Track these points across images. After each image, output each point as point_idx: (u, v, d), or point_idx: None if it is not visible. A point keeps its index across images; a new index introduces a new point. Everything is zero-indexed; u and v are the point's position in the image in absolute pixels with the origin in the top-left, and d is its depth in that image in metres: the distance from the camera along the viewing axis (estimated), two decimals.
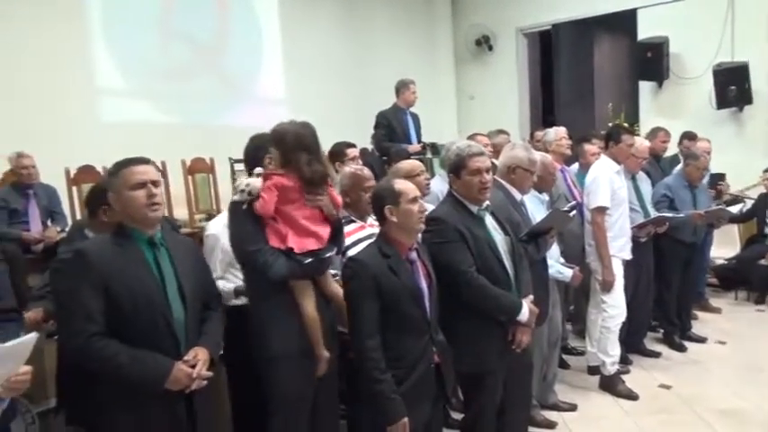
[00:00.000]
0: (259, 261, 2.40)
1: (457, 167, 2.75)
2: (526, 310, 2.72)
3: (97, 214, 2.59)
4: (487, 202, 2.81)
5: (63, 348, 2.55)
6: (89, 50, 6.09)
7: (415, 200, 2.42)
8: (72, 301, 2.07)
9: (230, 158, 6.32)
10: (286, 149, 2.45)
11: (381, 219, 2.46)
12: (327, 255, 2.51)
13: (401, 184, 2.45)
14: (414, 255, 2.47)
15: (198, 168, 6.13)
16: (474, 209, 2.77)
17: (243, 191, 2.42)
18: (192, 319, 2.22)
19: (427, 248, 2.62)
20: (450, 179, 2.80)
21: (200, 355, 2.17)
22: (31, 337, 1.84)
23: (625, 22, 8.23)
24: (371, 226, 3.01)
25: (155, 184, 2.18)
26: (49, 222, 4.79)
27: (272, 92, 7.65)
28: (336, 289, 2.60)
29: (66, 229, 4.67)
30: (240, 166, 6.25)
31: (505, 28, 9.28)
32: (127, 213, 2.17)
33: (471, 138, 4.54)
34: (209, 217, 5.38)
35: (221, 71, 7.20)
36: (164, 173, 5.18)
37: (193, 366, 2.13)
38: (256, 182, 2.43)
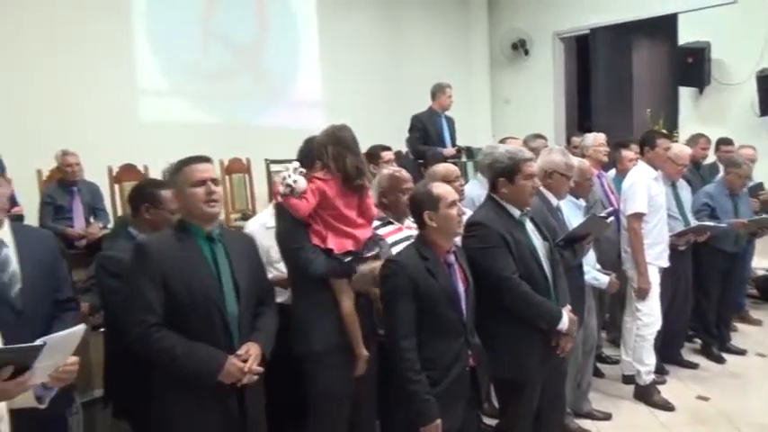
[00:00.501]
0: (300, 258, 2.49)
1: (511, 171, 2.73)
2: (566, 318, 2.69)
3: (140, 211, 2.65)
4: (527, 207, 2.81)
5: (111, 340, 2.63)
6: (132, 52, 6.26)
7: (453, 204, 2.43)
8: (134, 292, 2.16)
9: (266, 159, 6.41)
10: (334, 152, 2.57)
11: (420, 223, 2.47)
12: (367, 255, 2.56)
13: (440, 189, 2.46)
14: (452, 258, 2.48)
15: (235, 168, 6.24)
16: (516, 214, 2.76)
17: (289, 185, 2.48)
18: (245, 314, 2.28)
19: (468, 253, 2.62)
20: (500, 183, 2.75)
21: (252, 350, 2.23)
22: (80, 328, 1.90)
23: (665, 26, 8.09)
24: (408, 228, 3.03)
25: (214, 182, 2.27)
26: (91, 219, 4.93)
27: (309, 94, 7.73)
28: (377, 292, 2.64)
29: (109, 226, 4.81)
30: (275, 167, 6.39)
31: (542, 32, 9.21)
32: (187, 209, 2.26)
33: (504, 141, 4.54)
34: (245, 217, 5.48)
35: (259, 73, 7.32)
36: None
37: (245, 361, 2.19)
38: (303, 182, 2.49)
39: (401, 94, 7.85)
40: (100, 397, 2.80)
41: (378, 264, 2.62)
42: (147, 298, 2.13)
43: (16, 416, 1.86)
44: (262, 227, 3.21)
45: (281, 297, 3.06)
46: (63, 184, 4.89)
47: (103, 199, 5.21)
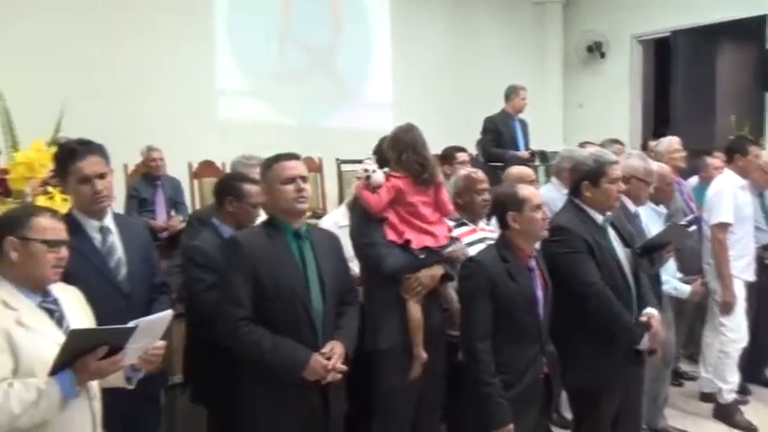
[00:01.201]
0: (372, 254, 2.50)
1: (596, 175, 2.66)
2: (646, 339, 2.58)
3: (223, 204, 2.74)
4: (609, 213, 2.73)
5: (192, 328, 2.73)
6: (213, 55, 6.56)
7: (538, 207, 2.39)
8: (225, 286, 2.22)
9: (337, 159, 6.52)
10: (398, 150, 2.60)
11: (503, 224, 2.44)
12: (442, 251, 2.57)
13: (525, 191, 2.43)
14: (533, 262, 2.44)
15: (307, 167, 6.35)
16: (599, 219, 2.68)
17: (366, 170, 2.51)
18: (329, 312, 2.31)
19: (549, 258, 2.57)
20: (584, 187, 2.69)
21: (336, 348, 2.25)
22: (168, 313, 1.99)
23: (753, 29, 7.71)
24: (483, 230, 3.02)
25: (303, 179, 2.31)
26: (172, 212, 5.13)
27: (380, 96, 7.83)
28: (452, 296, 2.63)
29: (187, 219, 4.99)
30: (346, 167, 6.48)
31: (619, 34, 8.95)
32: (277, 205, 2.30)
33: (583, 146, 4.43)
34: (315, 215, 5.57)
35: (332, 74, 7.46)
36: None
37: (330, 359, 2.21)
38: (380, 175, 2.52)
39: (472, 96, 7.81)
40: (179, 383, 2.89)
41: (438, 270, 2.62)
42: (237, 292, 2.19)
43: (114, 393, 1.96)
44: (334, 225, 3.26)
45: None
46: (147, 178, 5.12)
47: (184, 193, 5.43)
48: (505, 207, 2.40)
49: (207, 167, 5.70)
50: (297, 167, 2.32)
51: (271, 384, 2.21)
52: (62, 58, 5.33)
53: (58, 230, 1.84)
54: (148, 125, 5.42)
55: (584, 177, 2.70)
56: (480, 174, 3.08)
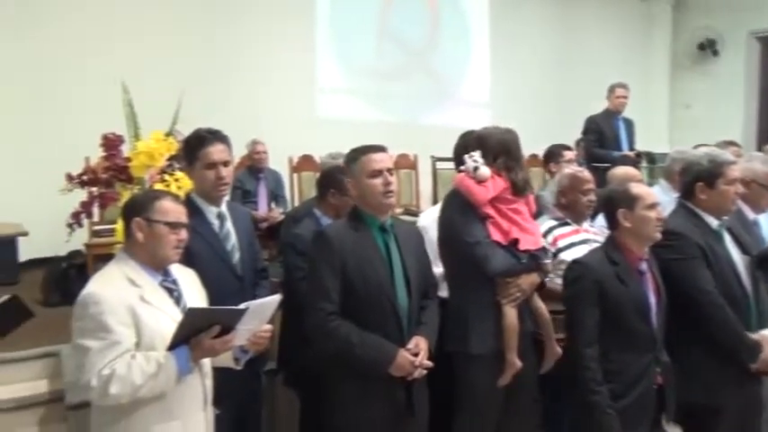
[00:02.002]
0: (478, 253, 2.38)
1: (712, 175, 2.50)
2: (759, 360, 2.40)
3: (326, 196, 2.79)
4: (725, 217, 2.56)
5: (288, 318, 2.80)
6: (315, 52, 6.75)
7: (653, 206, 2.27)
8: (314, 279, 2.23)
9: (432, 156, 6.51)
10: (489, 153, 2.47)
11: (612, 223, 2.34)
12: (543, 259, 2.48)
13: (639, 188, 2.32)
14: (644, 265, 2.32)
15: (402, 164, 6.39)
16: (713, 223, 2.52)
17: (474, 167, 2.42)
18: (414, 307, 2.29)
19: (661, 264, 2.42)
20: (698, 189, 2.54)
21: (421, 344, 2.23)
22: (276, 297, 2.05)
23: None
24: (586, 231, 2.91)
25: (390, 172, 2.28)
26: (272, 204, 5.31)
27: (477, 94, 7.77)
28: (540, 304, 2.55)
29: (286, 212, 5.15)
30: (441, 165, 6.47)
31: (735, 31, 8.42)
32: (363, 199, 2.28)
33: (696, 148, 4.18)
34: (409, 212, 5.59)
35: (429, 73, 7.48)
36: None
37: (416, 355, 2.20)
38: (487, 170, 2.45)
39: (573, 96, 7.60)
40: (273, 369, 2.98)
41: (536, 278, 2.52)
42: (327, 286, 2.19)
43: (222, 373, 2.05)
44: (434, 222, 3.23)
45: (445, 291, 3.07)
46: (251, 170, 5.32)
47: (284, 186, 5.60)
48: (616, 204, 2.29)
49: (306, 162, 5.86)
50: (384, 160, 2.28)
51: (357, 378, 2.21)
52: (178, 54, 5.67)
53: (179, 213, 1.94)
54: (253, 120, 5.62)
55: (697, 178, 2.53)
56: (586, 173, 2.96)
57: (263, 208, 5.18)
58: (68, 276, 4.50)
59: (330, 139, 5.65)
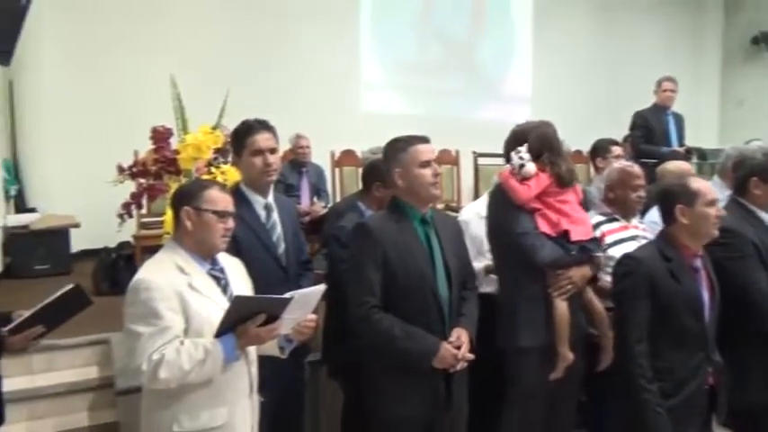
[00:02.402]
0: (526, 244, 2.38)
1: (766, 170, 2.46)
2: None
3: (370, 189, 2.79)
4: None
5: (332, 310, 2.82)
6: (358, 48, 6.81)
7: (713, 203, 2.20)
8: (357, 272, 2.23)
9: (474, 152, 6.47)
10: (531, 149, 2.48)
11: (668, 218, 2.26)
12: (595, 252, 2.44)
13: (699, 184, 2.24)
14: (698, 262, 2.25)
15: (444, 160, 6.36)
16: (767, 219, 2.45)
17: (520, 164, 2.42)
18: (455, 297, 2.28)
19: (714, 261, 2.35)
20: (752, 184, 2.48)
21: (462, 336, 2.23)
22: (320, 287, 2.06)
23: None
24: (635, 227, 2.84)
25: (437, 163, 2.29)
26: (315, 199, 5.34)
27: (519, 90, 7.69)
28: (594, 299, 2.51)
29: (328, 206, 5.18)
30: (483, 160, 6.42)
31: None
32: (410, 189, 2.25)
33: (749, 143, 4.05)
34: (449, 208, 5.55)
35: (472, 68, 7.44)
36: None
37: (458, 348, 2.19)
38: (533, 167, 2.43)
39: (620, 91, 7.45)
40: (317, 360, 3.00)
41: (588, 271, 2.49)
42: (370, 279, 2.18)
43: (267, 362, 2.07)
44: (476, 216, 3.20)
45: (490, 287, 3.05)
46: (294, 164, 5.36)
47: (326, 181, 5.64)
48: (674, 199, 2.22)
49: (348, 157, 5.89)
50: (432, 151, 2.29)
51: (398, 371, 2.21)
52: (225, 50, 5.85)
53: (226, 202, 1.97)
54: (297, 115, 5.66)
55: (752, 173, 2.47)
56: (636, 168, 2.88)
57: (305, 202, 5.22)
58: (117, 266, 4.63)
59: (372, 134, 5.66)
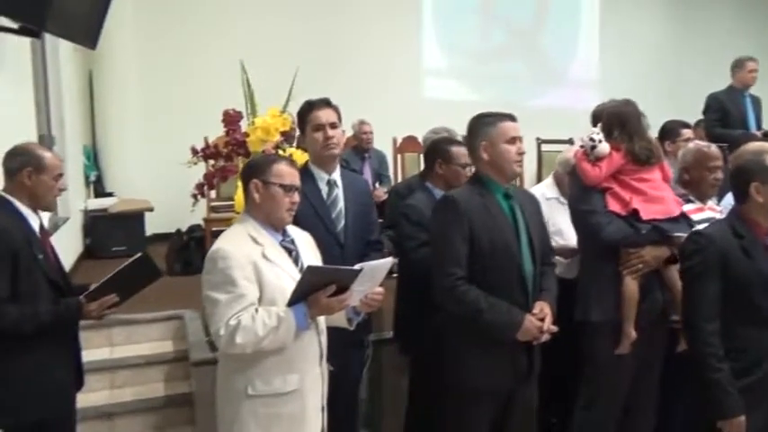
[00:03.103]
0: (591, 221, 2.41)
1: None
2: None
3: (433, 167, 2.82)
4: None
5: (403, 286, 2.86)
6: (420, 35, 6.85)
7: None
8: (443, 244, 2.25)
9: (537, 138, 6.37)
10: (603, 128, 2.51)
11: (742, 196, 2.18)
12: (670, 231, 2.39)
13: None
14: None
15: None
16: None
17: (592, 140, 2.42)
18: (538, 272, 2.30)
19: None
20: None
21: (545, 309, 2.24)
22: (388, 260, 2.10)
23: None
24: (711, 209, 2.76)
25: (521, 141, 2.30)
26: (377, 184, 5.39)
27: (584, 74, 7.55)
28: (676, 280, 2.45)
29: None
30: (546, 147, 6.32)
31: None
32: (494, 163, 2.27)
33: None
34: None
35: (535, 53, 7.35)
36: None
37: (541, 320, 2.21)
38: (606, 147, 2.42)
39: (692, 73, 7.20)
40: (389, 338, 3.06)
41: (664, 251, 2.45)
42: (457, 251, 2.20)
43: (331, 333, 2.12)
44: (541, 197, 3.16)
45: (557, 269, 3.03)
46: (357, 150, 5.43)
47: (389, 167, 5.68)
48: (750, 176, 2.13)
49: (410, 143, 5.92)
50: (518, 129, 2.30)
51: (480, 342, 2.24)
52: (291, 37, 6.02)
53: (293, 176, 2.03)
54: (360, 101, 5.72)
55: None
56: (714, 149, 2.79)
57: None
58: (189, 248, 4.84)
59: (434, 121, 5.62)
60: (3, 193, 2.17)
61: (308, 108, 2.51)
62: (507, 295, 2.21)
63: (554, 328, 2.23)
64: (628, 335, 2.44)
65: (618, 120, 2.51)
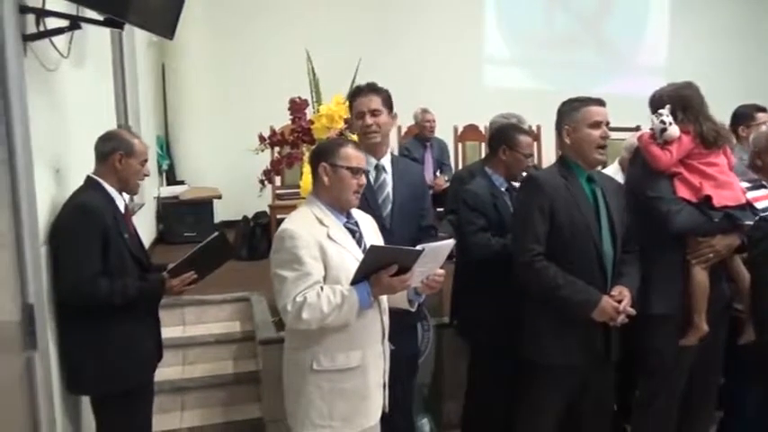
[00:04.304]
0: (661, 209, 2.34)
1: None
2: None
3: (497, 153, 2.82)
4: None
5: (461, 271, 2.89)
6: (481, 24, 6.80)
7: None
8: (524, 221, 2.29)
9: None
10: (673, 110, 2.42)
11: None
12: (742, 219, 2.32)
13: None
14: None
15: None
16: None
17: (663, 123, 2.37)
18: (618, 257, 2.30)
19: None
20: None
21: (624, 292, 2.24)
22: (450, 242, 2.12)
23: None
24: None
25: (608, 125, 2.30)
26: (437, 173, 5.42)
27: (652, 61, 7.30)
28: (742, 269, 2.38)
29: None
30: (612, 135, 6.14)
31: None
32: (577, 147, 2.28)
33: None
34: None
35: (601, 41, 7.17)
36: (537, 137, 5.40)
37: (619, 302, 2.21)
38: (676, 129, 2.36)
39: (761, 63, 6.84)
40: (448, 323, 3.10)
41: (735, 239, 2.37)
42: (537, 228, 2.24)
43: (392, 316, 2.16)
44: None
45: None
46: (419, 138, 5.46)
47: (450, 155, 5.69)
48: None
49: (471, 131, 5.91)
50: (604, 114, 2.29)
51: (557, 319, 2.26)
52: (355, 26, 6.12)
53: (360, 160, 2.08)
54: (421, 89, 5.77)
55: None
56: None
57: (428, 176, 5.30)
58: (255, 235, 4.99)
59: (496, 109, 5.62)
60: (93, 176, 2.31)
61: (354, 94, 2.54)
62: (586, 276, 2.22)
63: (631, 311, 2.21)
64: (699, 328, 2.38)
65: (680, 102, 2.44)
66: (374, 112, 2.46)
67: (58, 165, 2.38)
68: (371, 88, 2.51)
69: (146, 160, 2.39)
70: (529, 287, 2.30)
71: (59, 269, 2.19)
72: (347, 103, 3.25)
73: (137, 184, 2.40)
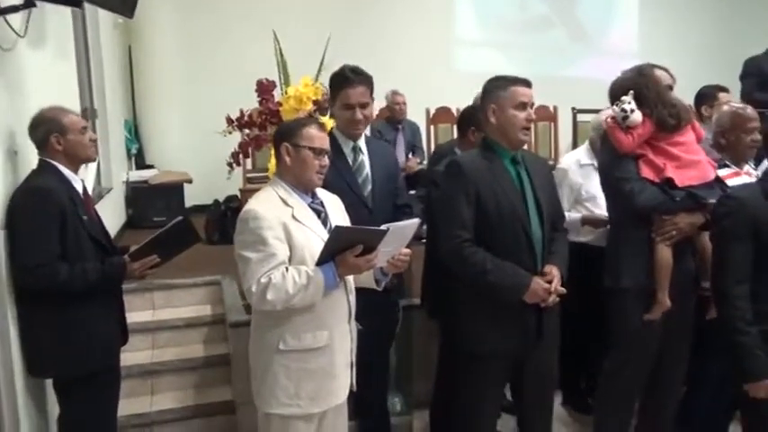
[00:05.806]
0: (624, 188, 2.38)
1: None
2: None
3: (466, 134, 2.83)
4: None
5: (430, 251, 2.90)
6: (453, 5, 6.78)
7: None
8: (449, 208, 2.27)
9: (573, 108, 6.29)
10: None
11: None
12: (705, 198, 2.36)
13: None
14: None
15: (541, 116, 6.23)
16: None
17: (624, 111, 2.39)
18: (547, 237, 2.30)
19: None
20: None
21: (553, 271, 2.25)
22: (415, 221, 2.12)
23: None
24: (748, 174, 2.70)
25: (532, 107, 2.27)
26: (410, 155, 5.42)
27: (623, 45, 7.37)
28: (707, 246, 2.43)
29: (424, 162, 5.24)
30: (582, 117, 6.23)
31: None
32: (501, 129, 2.26)
33: None
34: None
35: (571, 23, 7.23)
36: None
37: (549, 282, 2.21)
38: (639, 115, 2.38)
39: (733, 38, 6.94)
40: (419, 304, 3.11)
41: (699, 218, 2.42)
42: (462, 214, 2.21)
43: (363, 294, 2.18)
44: (576, 163, 3.17)
45: (587, 236, 3.02)
46: (390, 121, 5.45)
47: (422, 138, 5.69)
48: None
49: (443, 114, 5.92)
50: (531, 95, 2.26)
51: (488, 304, 2.25)
52: (324, 5, 6.06)
53: (323, 140, 2.07)
54: (392, 72, 5.72)
55: None
56: (750, 111, 2.71)
57: (400, 158, 5.29)
58: (226, 218, 4.96)
59: (468, 92, 5.65)
60: (45, 158, 2.26)
61: (341, 83, 2.47)
62: (515, 259, 2.21)
63: (562, 290, 2.23)
64: (662, 303, 2.42)
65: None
66: (363, 105, 2.45)
67: (16, 147, 2.33)
68: (360, 79, 2.46)
69: (84, 127, 2.33)
70: (457, 274, 2.28)
71: (16, 253, 2.16)
72: (317, 84, 3.24)
73: (88, 153, 2.34)
